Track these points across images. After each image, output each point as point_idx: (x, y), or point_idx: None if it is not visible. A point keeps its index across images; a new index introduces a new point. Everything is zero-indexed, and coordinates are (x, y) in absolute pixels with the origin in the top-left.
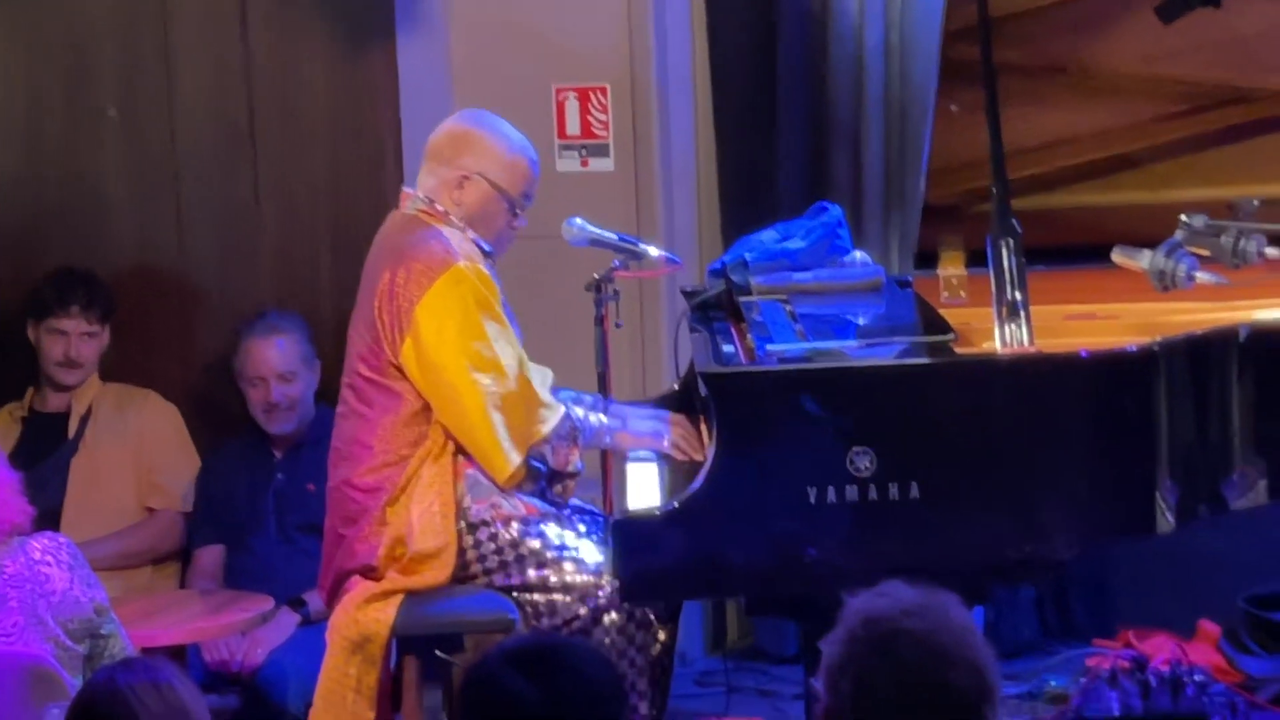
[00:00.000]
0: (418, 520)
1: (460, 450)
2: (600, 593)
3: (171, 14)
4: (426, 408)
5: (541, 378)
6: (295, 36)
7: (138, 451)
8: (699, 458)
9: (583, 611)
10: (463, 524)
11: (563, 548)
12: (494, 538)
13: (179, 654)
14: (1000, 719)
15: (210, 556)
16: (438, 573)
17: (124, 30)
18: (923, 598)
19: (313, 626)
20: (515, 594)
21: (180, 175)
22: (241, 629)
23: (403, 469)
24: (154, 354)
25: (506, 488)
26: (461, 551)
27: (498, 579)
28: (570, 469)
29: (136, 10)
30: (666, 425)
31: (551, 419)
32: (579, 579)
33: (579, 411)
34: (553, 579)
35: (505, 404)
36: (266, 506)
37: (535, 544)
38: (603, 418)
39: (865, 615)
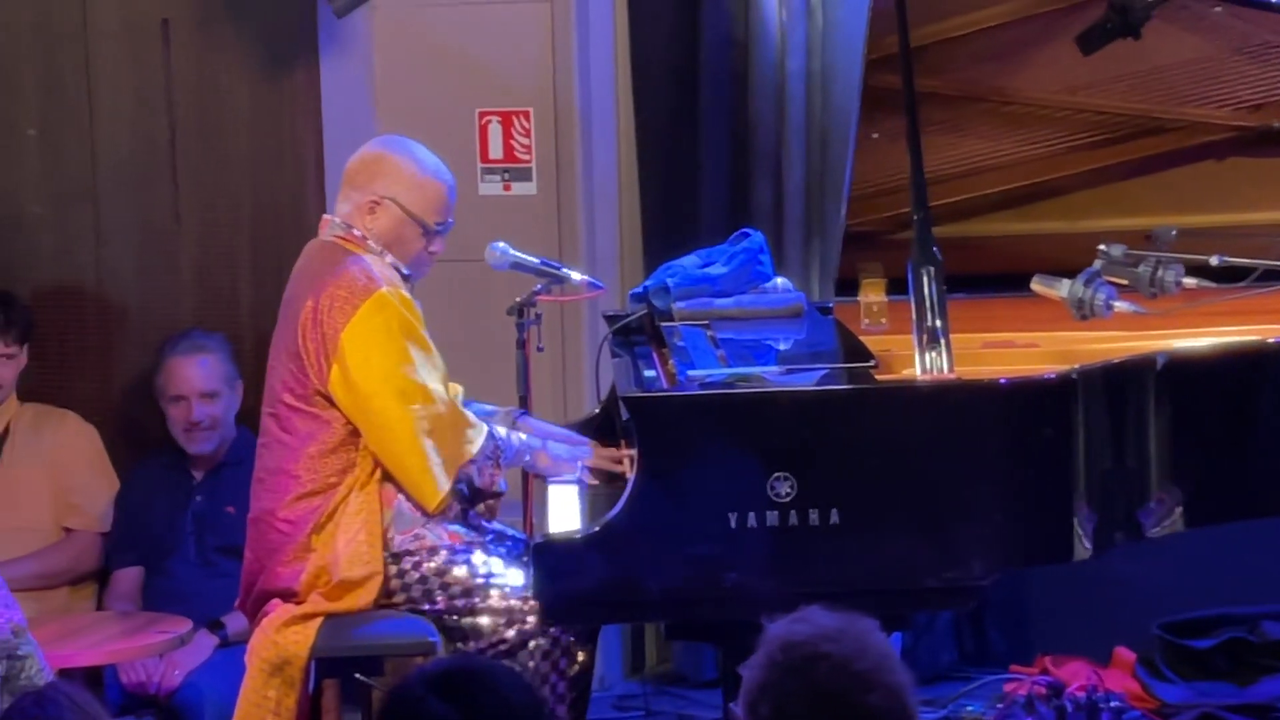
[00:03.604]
0: (344, 549)
1: (388, 477)
2: (527, 618)
3: (93, 33)
4: (354, 434)
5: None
6: (217, 56)
7: (55, 472)
8: (620, 469)
9: (510, 635)
10: (387, 554)
11: (490, 575)
12: (418, 566)
13: (95, 675)
14: None
15: (128, 578)
16: (363, 599)
17: (45, 49)
18: (842, 623)
19: (230, 649)
20: (440, 618)
21: (100, 195)
22: (159, 651)
23: (330, 497)
24: (73, 374)
25: (434, 514)
26: (385, 580)
27: (423, 606)
28: (495, 489)
29: (57, 28)
30: (587, 450)
31: (478, 439)
32: (506, 604)
33: (501, 430)
34: (479, 604)
35: (434, 429)
36: (185, 528)
37: (461, 571)
38: (522, 436)
39: (784, 640)
